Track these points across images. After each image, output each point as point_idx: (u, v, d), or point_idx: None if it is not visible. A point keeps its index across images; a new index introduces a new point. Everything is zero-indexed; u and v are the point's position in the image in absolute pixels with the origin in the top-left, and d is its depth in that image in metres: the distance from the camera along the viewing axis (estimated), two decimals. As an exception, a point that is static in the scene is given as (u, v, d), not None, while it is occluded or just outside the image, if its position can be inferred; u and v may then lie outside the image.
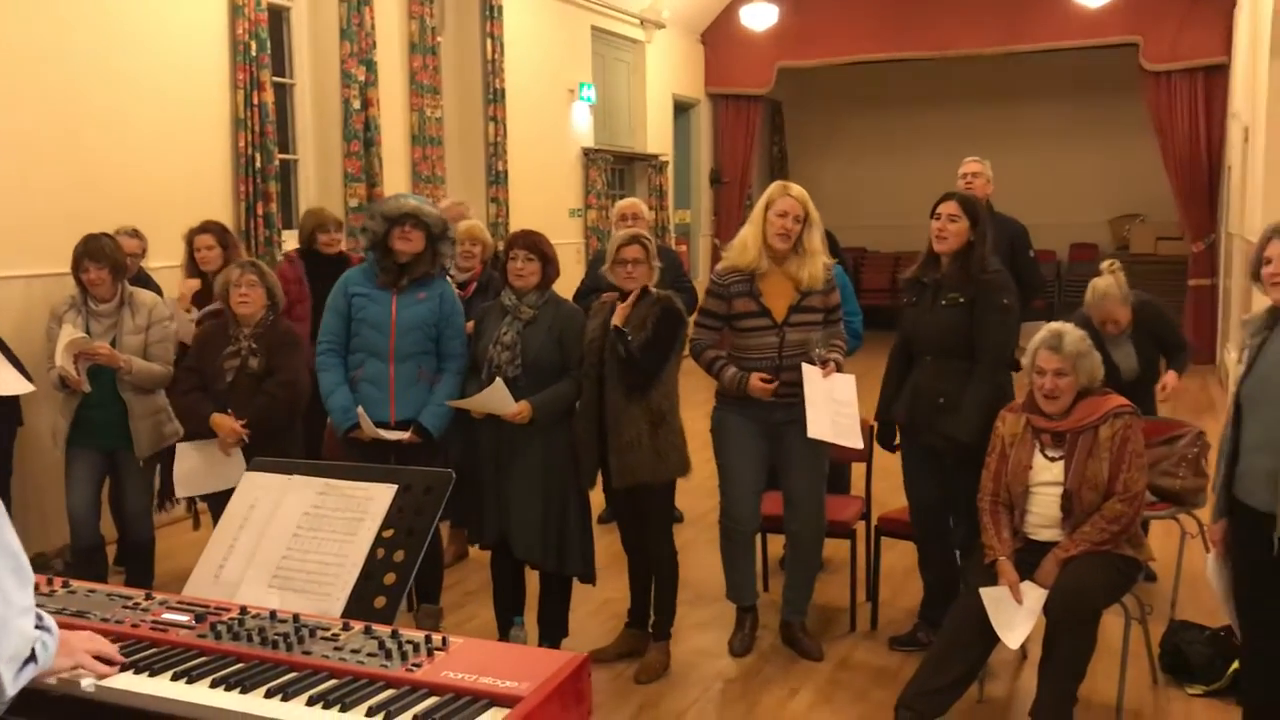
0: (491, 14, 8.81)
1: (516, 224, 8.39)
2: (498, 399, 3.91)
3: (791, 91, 14.70)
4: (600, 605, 4.77)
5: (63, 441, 4.50)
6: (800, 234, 4.09)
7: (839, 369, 4.14)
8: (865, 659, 4.32)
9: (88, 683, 1.93)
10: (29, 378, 3.23)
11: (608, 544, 5.01)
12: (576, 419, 4.08)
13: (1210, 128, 10.89)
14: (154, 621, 2.20)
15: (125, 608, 2.27)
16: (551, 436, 4.01)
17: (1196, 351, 10.77)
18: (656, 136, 11.85)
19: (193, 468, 4.36)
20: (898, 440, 4.33)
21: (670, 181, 11.97)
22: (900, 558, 5.06)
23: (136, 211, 5.60)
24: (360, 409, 4.14)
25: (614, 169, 11.04)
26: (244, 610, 2.24)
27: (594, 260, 5.72)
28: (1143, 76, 11.15)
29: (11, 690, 1.71)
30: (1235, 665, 3.72)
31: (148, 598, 2.33)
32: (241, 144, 6.49)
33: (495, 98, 8.91)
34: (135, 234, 5.28)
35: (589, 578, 4.17)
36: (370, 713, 1.82)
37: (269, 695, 1.90)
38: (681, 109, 12.66)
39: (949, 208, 4.06)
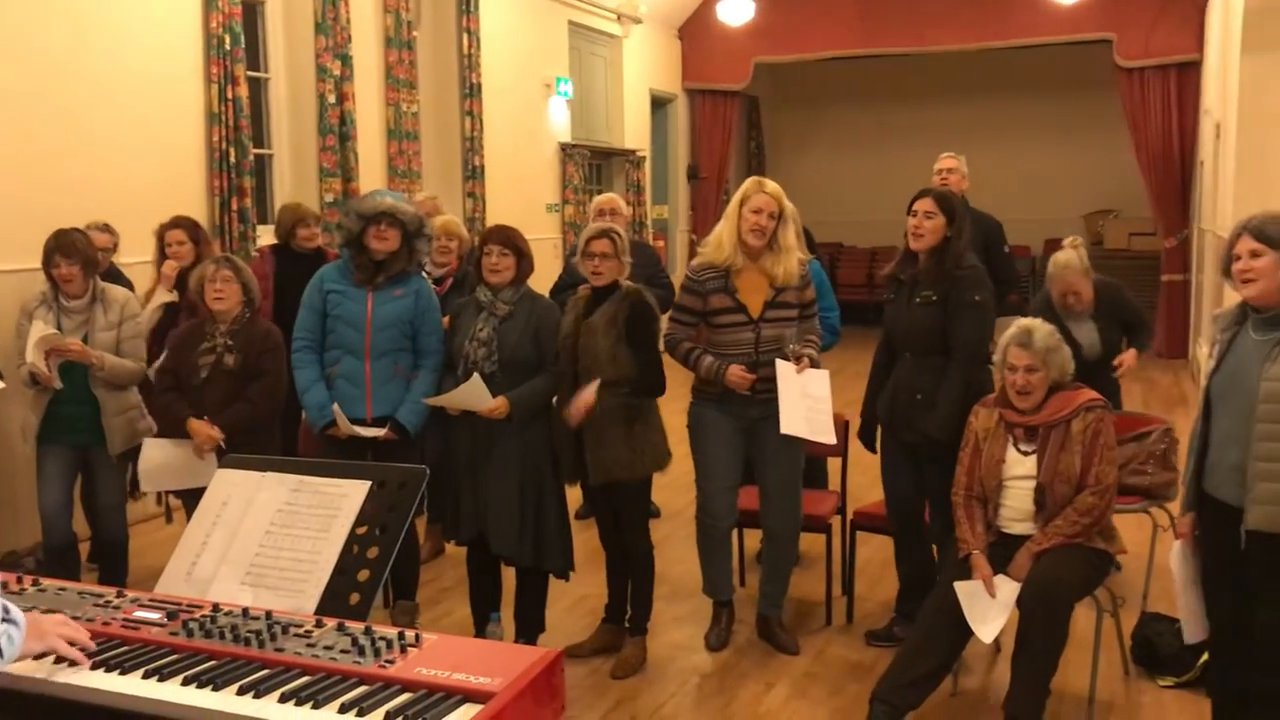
0: (468, 8, 8.78)
1: (493, 219, 8.37)
2: (475, 395, 3.91)
3: (768, 87, 14.73)
4: (577, 601, 4.77)
5: (34, 439, 4.47)
6: (775, 230, 4.10)
7: (813, 365, 4.15)
8: (841, 653, 4.34)
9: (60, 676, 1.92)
10: (-1, 375, 3.21)
11: (584, 540, 5.01)
12: (554, 416, 4.08)
13: (1183, 124, 10.98)
14: (125, 620, 2.19)
15: (96, 606, 2.26)
16: (528, 432, 4.01)
17: (1169, 346, 11.01)
18: (634, 132, 11.85)
19: (160, 464, 4.32)
20: (877, 441, 4.36)
21: (647, 177, 11.97)
22: (875, 552, 5.09)
23: (108, 207, 5.55)
24: (336, 406, 4.13)
25: (591, 164, 11.03)
26: (216, 608, 2.23)
27: (571, 255, 5.72)
28: (1116, 73, 11.23)
29: None
30: (1205, 657, 3.76)
31: (119, 595, 2.31)
32: (215, 138, 6.44)
33: (471, 92, 8.88)
34: (106, 229, 5.24)
35: (565, 573, 4.17)
36: (343, 709, 1.82)
37: (241, 693, 1.90)
38: (659, 104, 12.66)
39: (925, 204, 4.08)
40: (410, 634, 2.04)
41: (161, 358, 4.59)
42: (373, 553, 2.35)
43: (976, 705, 3.89)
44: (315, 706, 1.84)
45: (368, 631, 2.06)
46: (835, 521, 4.65)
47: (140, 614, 2.20)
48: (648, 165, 12.00)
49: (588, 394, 3.88)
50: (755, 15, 11.37)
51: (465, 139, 8.89)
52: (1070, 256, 4.80)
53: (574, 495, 4.35)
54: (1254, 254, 2.95)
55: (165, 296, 5.11)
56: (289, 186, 7.40)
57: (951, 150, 6.01)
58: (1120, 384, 5.05)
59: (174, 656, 2.04)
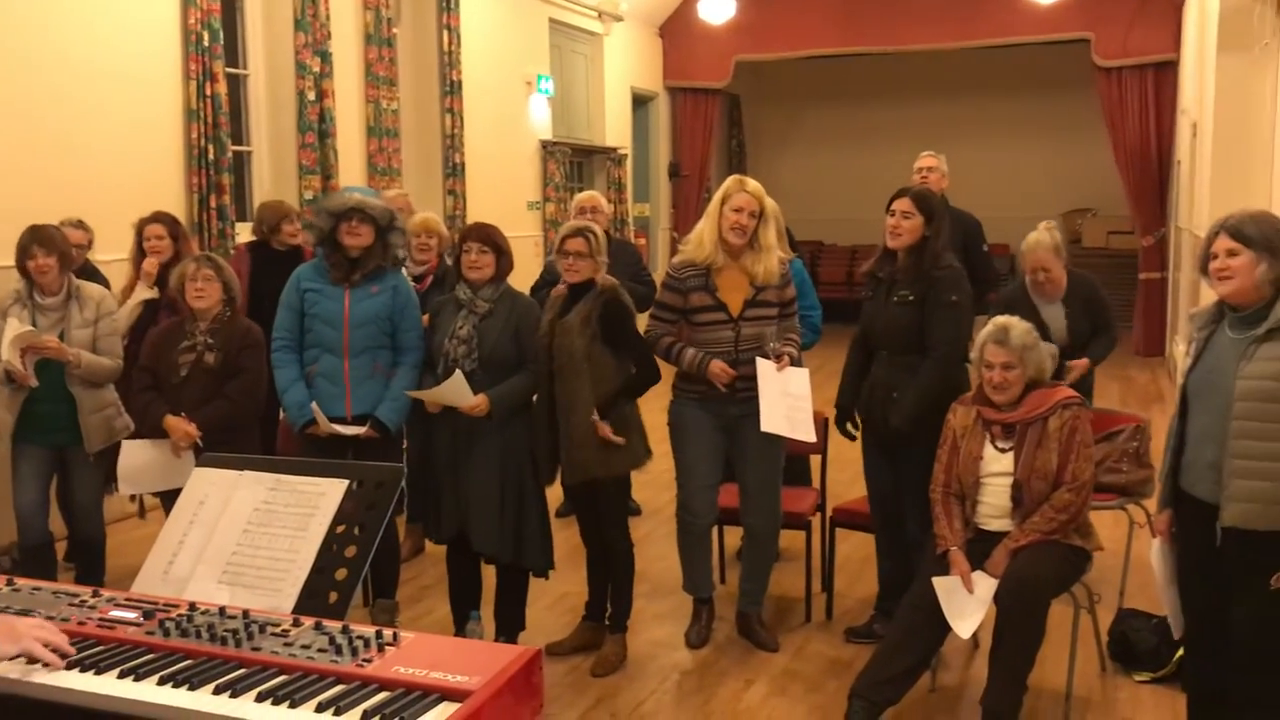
0: (448, 6, 8.76)
1: (474, 217, 8.36)
2: (456, 391, 3.90)
3: (749, 85, 14.74)
4: (557, 599, 4.77)
5: (9, 437, 4.43)
6: (756, 229, 4.11)
7: (794, 363, 4.16)
8: (820, 649, 4.35)
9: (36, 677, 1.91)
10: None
11: (565, 538, 5.01)
12: (535, 414, 4.08)
13: (1160, 123, 11.05)
14: (100, 619, 2.17)
15: (71, 605, 2.24)
16: (508, 430, 4.01)
17: (1146, 344, 11.08)
18: (615, 129, 11.84)
19: (139, 466, 4.30)
20: (856, 430, 4.37)
21: (629, 174, 11.97)
22: (855, 549, 5.11)
23: (85, 204, 5.51)
24: (315, 405, 4.11)
25: (572, 162, 11.01)
26: (193, 607, 2.21)
27: (551, 252, 5.72)
28: (1095, 72, 11.29)
29: None
30: (1180, 652, 3.79)
31: (94, 595, 2.30)
32: (194, 135, 6.41)
33: (452, 90, 8.85)
34: (80, 225, 5.19)
35: (545, 571, 4.17)
36: (319, 708, 1.81)
37: (217, 692, 1.88)
38: (640, 102, 12.65)
39: (903, 204, 4.09)
40: (388, 633, 2.04)
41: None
42: (350, 551, 2.35)
43: (954, 701, 3.91)
44: (292, 706, 1.83)
45: (345, 630, 2.06)
46: (815, 519, 4.67)
47: (116, 613, 2.19)
48: (629, 163, 11.99)
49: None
50: (736, 13, 11.38)
51: (446, 136, 8.87)
52: (1041, 234, 4.89)
53: (555, 493, 4.35)
54: (1231, 253, 2.96)
55: (145, 293, 5.08)
56: (268, 184, 7.36)
57: (932, 149, 6.04)
58: (1094, 381, 5.09)
59: (150, 656, 2.03)
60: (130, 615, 2.17)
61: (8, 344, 4.22)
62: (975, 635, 3.72)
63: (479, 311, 4.01)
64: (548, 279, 5.27)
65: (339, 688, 1.88)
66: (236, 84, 7.18)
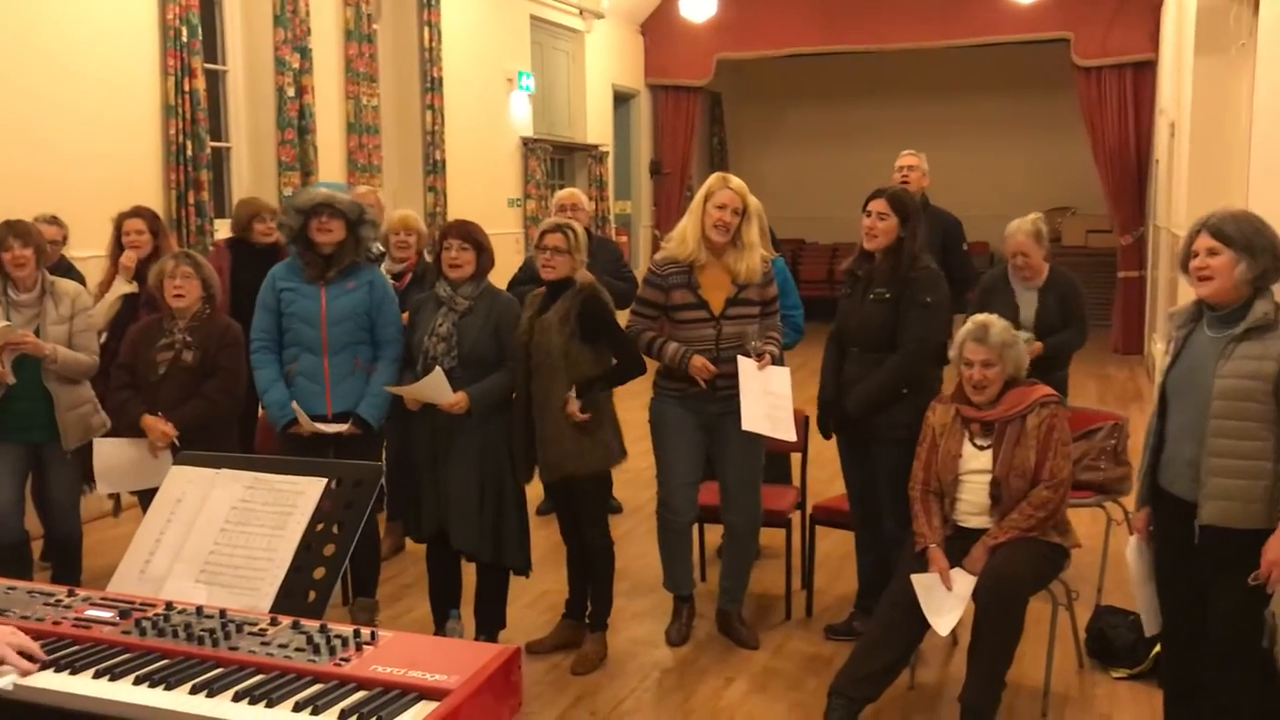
0: (429, 2, 8.72)
1: (455, 214, 8.33)
2: (436, 388, 3.89)
3: (731, 83, 14.75)
4: (538, 597, 4.76)
5: (-17, 435, 4.39)
6: (739, 227, 4.11)
7: (775, 362, 4.17)
8: (800, 647, 4.36)
9: (5, 680, 1.89)
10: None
11: (545, 536, 5.01)
12: (515, 413, 4.08)
13: (1139, 123, 11.12)
14: (76, 618, 2.16)
15: (46, 605, 2.23)
16: (488, 428, 4.00)
17: (1125, 342, 11.15)
18: (596, 127, 11.83)
19: (116, 464, 4.27)
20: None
21: (610, 172, 11.95)
22: (835, 546, 5.12)
23: (61, 200, 5.46)
24: (295, 404, 4.10)
25: (553, 159, 11.00)
26: (170, 606, 2.20)
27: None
28: (1074, 72, 11.35)
29: None
30: (1157, 649, 3.81)
31: (70, 594, 2.28)
32: (172, 131, 6.36)
33: (433, 86, 8.82)
34: (55, 221, 5.14)
35: (524, 570, 4.16)
36: (297, 708, 1.81)
37: (194, 692, 1.88)
38: (621, 99, 12.64)
39: (878, 205, 4.10)
40: (366, 632, 2.03)
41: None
42: (329, 550, 2.34)
43: (934, 698, 3.92)
44: (269, 705, 1.82)
45: (323, 629, 2.05)
46: (795, 516, 4.68)
47: (92, 613, 2.18)
48: (610, 160, 11.98)
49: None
50: (717, 11, 11.37)
51: (426, 133, 8.84)
52: (1023, 221, 4.99)
53: (535, 491, 4.34)
54: (1211, 252, 2.98)
55: (124, 287, 5.04)
56: (247, 180, 7.32)
57: (912, 148, 6.06)
58: (1068, 379, 5.12)
59: (126, 656, 2.02)
60: (106, 615, 2.16)
61: (-17, 340, 4.18)
62: (954, 632, 3.73)
63: (459, 309, 4.00)
64: (526, 274, 5.26)
65: (316, 687, 1.88)
66: (215, 80, 7.14)
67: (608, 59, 12.05)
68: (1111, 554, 4.79)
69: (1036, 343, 4.83)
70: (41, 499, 4.63)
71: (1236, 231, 2.96)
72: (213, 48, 7.11)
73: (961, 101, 14.56)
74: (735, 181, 4.15)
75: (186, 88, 6.39)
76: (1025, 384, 3.71)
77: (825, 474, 5.50)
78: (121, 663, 1.98)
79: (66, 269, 5.00)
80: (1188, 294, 3.32)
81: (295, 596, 2.28)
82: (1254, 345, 2.94)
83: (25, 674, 1.93)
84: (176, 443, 4.15)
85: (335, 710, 1.80)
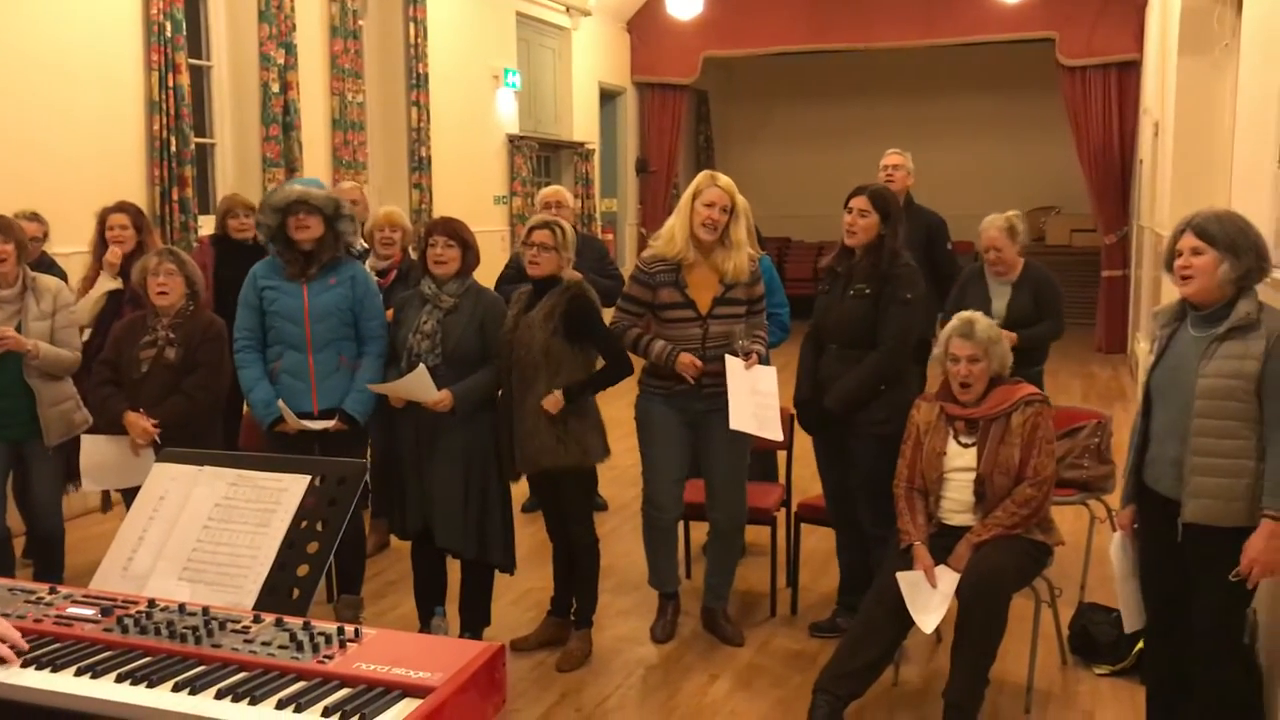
0: (414, -2, 8.71)
1: (440, 211, 8.31)
2: (419, 385, 3.88)
3: (717, 81, 14.76)
4: (522, 594, 4.76)
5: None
6: (727, 225, 4.11)
7: (761, 360, 4.17)
8: (785, 644, 4.37)
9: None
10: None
11: (530, 534, 5.01)
12: (500, 410, 4.08)
13: (1123, 123, 11.17)
14: (58, 616, 2.14)
15: (27, 602, 2.21)
16: (472, 426, 4.00)
17: (1109, 341, 11.20)
18: (582, 124, 11.82)
19: (101, 462, 4.25)
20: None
21: (596, 170, 11.95)
22: (820, 543, 5.13)
23: (43, 196, 5.43)
24: (281, 402, 4.08)
25: (539, 156, 10.98)
26: (152, 603, 2.19)
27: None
28: (1059, 72, 11.39)
29: None
30: (1140, 645, 3.83)
31: (51, 591, 2.26)
32: (156, 127, 6.33)
33: (418, 83, 8.80)
34: (35, 217, 5.11)
35: (509, 567, 4.16)
36: (280, 705, 1.80)
37: (176, 689, 1.86)
38: (607, 97, 12.63)
39: (859, 203, 4.12)
40: (350, 629, 2.02)
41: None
42: (313, 548, 2.32)
43: (917, 695, 3.94)
44: (252, 703, 1.81)
45: (306, 627, 2.04)
46: (780, 514, 4.68)
47: (74, 610, 2.16)
48: (596, 158, 11.98)
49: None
50: (704, 9, 11.39)
51: (412, 130, 8.82)
52: (995, 216, 5.11)
53: (520, 489, 4.34)
54: (1195, 251, 3.00)
55: (109, 284, 5.01)
56: (231, 177, 7.29)
57: (898, 146, 6.07)
58: (1043, 375, 5.14)
59: (108, 653, 2.00)
60: (88, 612, 2.14)
61: (-36, 338, 4.15)
62: (938, 629, 3.74)
63: (443, 306, 3.99)
64: (513, 271, 5.25)
65: (300, 684, 1.87)
66: (200, 75, 7.11)
67: (594, 56, 12.04)
68: (1094, 551, 4.81)
69: (1010, 333, 4.86)
70: (23, 496, 4.60)
71: (1220, 231, 2.98)
72: (197, 43, 7.07)
73: (947, 101, 14.61)
74: (723, 179, 4.15)
75: (170, 83, 6.36)
76: (1010, 382, 3.73)
77: (810, 472, 5.48)
78: (103, 660, 1.97)
79: (48, 265, 4.97)
80: (1171, 293, 3.33)
81: (279, 594, 2.27)
82: (1236, 345, 2.95)
83: (8, 664, 1.92)
84: (158, 439, 4.13)
85: (318, 708, 1.79)
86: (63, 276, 4.85)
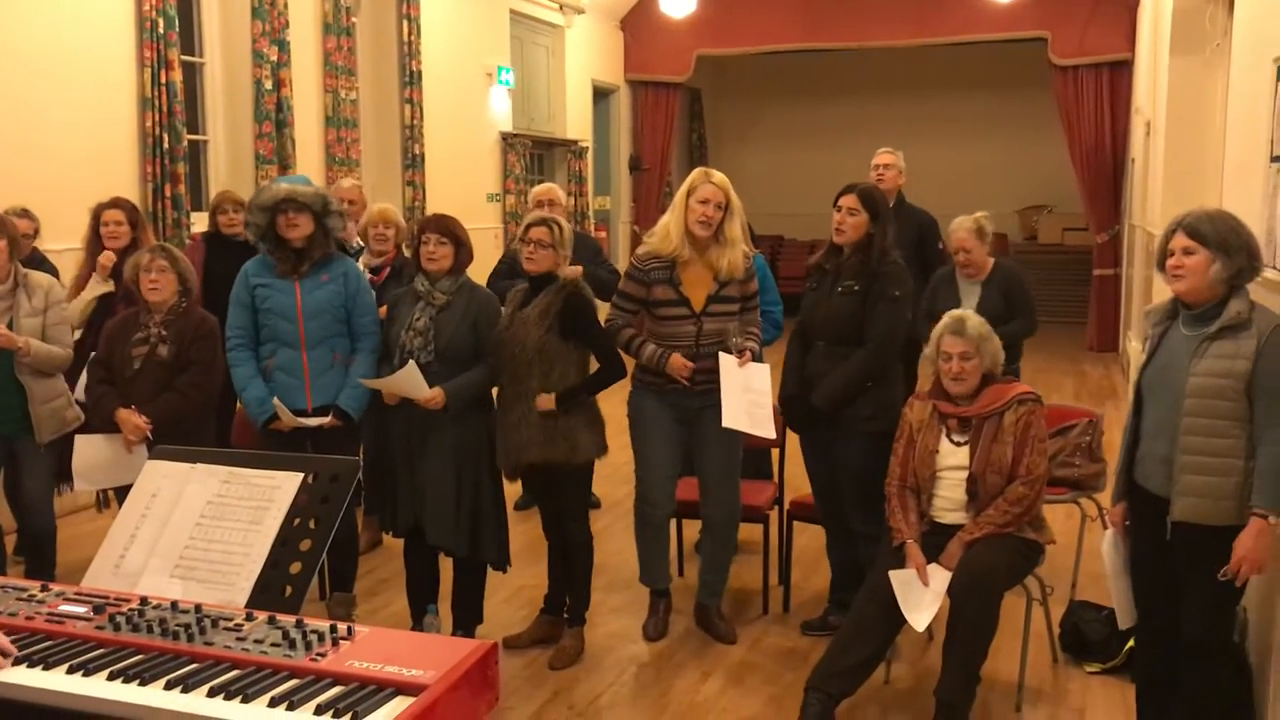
0: (408, -5, 8.70)
1: (433, 208, 8.30)
2: (410, 382, 3.88)
3: (711, 79, 14.77)
4: (515, 592, 4.76)
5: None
6: (721, 222, 4.12)
7: (755, 358, 4.18)
8: (777, 642, 4.38)
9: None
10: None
11: (523, 531, 5.01)
12: (495, 408, 4.08)
13: (1115, 122, 11.20)
14: (50, 614, 2.14)
15: (19, 599, 2.21)
16: (465, 423, 3.99)
17: (1100, 340, 11.22)
18: (576, 122, 11.81)
19: (93, 461, 4.24)
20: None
21: (590, 167, 11.94)
22: (812, 541, 5.13)
23: (35, 193, 5.41)
24: (276, 399, 4.07)
25: (533, 154, 10.98)
26: (145, 601, 2.19)
27: (513, 242, 5.69)
28: (1051, 71, 11.41)
29: None
30: (1130, 643, 3.85)
31: (43, 589, 2.27)
32: (149, 124, 6.32)
33: (412, 80, 8.79)
34: (26, 214, 5.09)
35: (502, 565, 4.16)
36: (273, 703, 1.80)
37: (169, 687, 1.87)
38: (601, 95, 12.63)
39: (849, 201, 4.13)
40: (342, 627, 2.03)
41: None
42: (305, 545, 2.32)
43: (909, 693, 3.95)
44: (245, 701, 1.82)
45: (299, 624, 2.04)
46: (773, 512, 4.69)
47: (66, 608, 2.16)
48: (590, 156, 11.97)
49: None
50: (697, 8, 11.40)
51: (405, 127, 8.81)
52: (964, 218, 5.17)
53: (514, 487, 4.33)
54: (1187, 251, 3.00)
55: (100, 288, 5.00)
56: (224, 174, 7.28)
57: (889, 145, 6.08)
58: (1019, 374, 5.15)
59: (100, 651, 2.00)
60: (80, 610, 2.15)
61: (-45, 334, 4.14)
62: (930, 627, 3.75)
63: (436, 303, 3.99)
64: (507, 267, 5.25)
65: (292, 682, 1.87)
66: (192, 72, 7.09)
67: (587, 54, 12.03)
68: (1086, 550, 4.83)
69: None
70: (14, 493, 4.59)
71: (1212, 231, 2.99)
72: (190, 40, 7.06)
73: (939, 100, 14.63)
74: (718, 176, 4.16)
75: (163, 80, 6.35)
76: (1002, 381, 3.74)
77: (803, 469, 5.51)
78: (95, 658, 1.97)
79: (39, 262, 4.96)
80: (1163, 292, 3.35)
81: (271, 591, 2.27)
82: (1227, 344, 2.97)
83: None
84: (150, 437, 4.13)
85: (310, 705, 1.79)
86: (54, 273, 4.84)
